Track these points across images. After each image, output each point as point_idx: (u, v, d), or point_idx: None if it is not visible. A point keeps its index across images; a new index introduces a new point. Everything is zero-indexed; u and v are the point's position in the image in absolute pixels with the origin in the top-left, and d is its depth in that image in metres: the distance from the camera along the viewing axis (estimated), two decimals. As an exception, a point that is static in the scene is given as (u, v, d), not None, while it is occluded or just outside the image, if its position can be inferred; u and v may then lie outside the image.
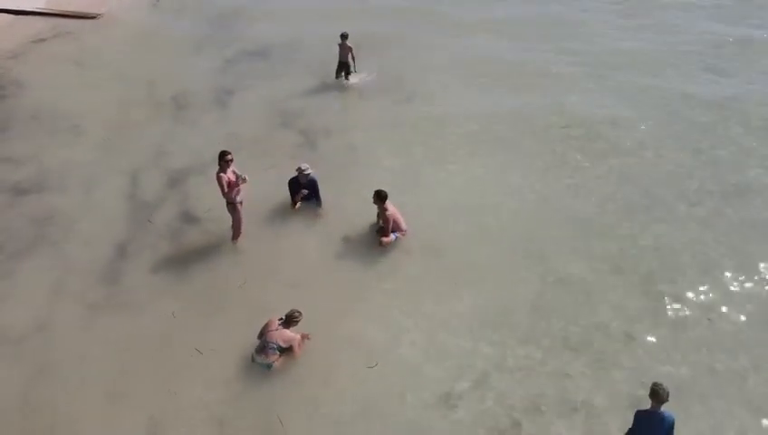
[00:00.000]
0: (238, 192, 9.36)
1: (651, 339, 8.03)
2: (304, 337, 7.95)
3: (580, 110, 13.35)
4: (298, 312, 7.88)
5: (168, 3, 20.32)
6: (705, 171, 11.29)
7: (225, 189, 9.18)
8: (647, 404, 6.26)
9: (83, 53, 16.74)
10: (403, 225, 9.71)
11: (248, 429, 7.06)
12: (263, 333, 7.82)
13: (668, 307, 8.50)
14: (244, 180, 9.29)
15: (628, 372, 7.61)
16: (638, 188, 10.85)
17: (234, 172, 9.30)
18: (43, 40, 17.63)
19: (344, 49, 14.17)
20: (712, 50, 16.28)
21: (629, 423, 6.38)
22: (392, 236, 9.57)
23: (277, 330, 7.74)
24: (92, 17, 19.18)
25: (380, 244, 9.55)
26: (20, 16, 19.07)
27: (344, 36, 14.06)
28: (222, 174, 9.13)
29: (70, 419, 7.14)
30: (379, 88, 14.53)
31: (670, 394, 6.09)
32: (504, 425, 7.07)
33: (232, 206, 9.42)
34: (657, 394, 6.10)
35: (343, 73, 14.48)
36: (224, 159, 9.14)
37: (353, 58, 14.31)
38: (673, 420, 6.13)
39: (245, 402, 7.33)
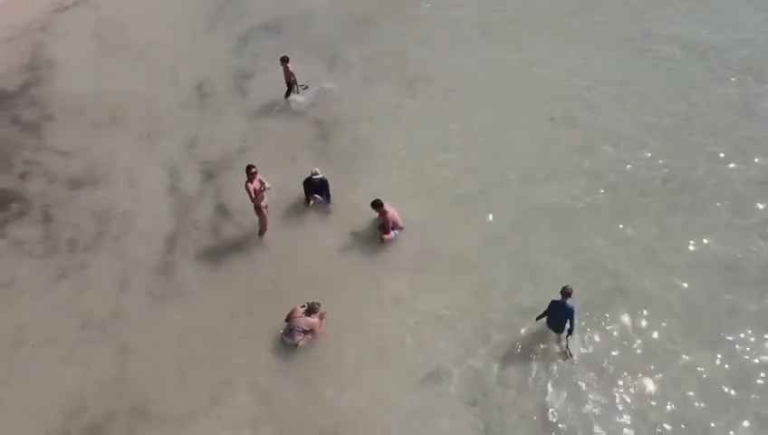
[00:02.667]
0: (263, 197, 11.29)
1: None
2: (323, 317, 10.16)
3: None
4: (318, 304, 10.07)
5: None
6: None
7: (253, 196, 11.13)
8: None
9: (104, 27, 17.95)
10: (401, 222, 11.65)
11: (285, 396, 9.45)
12: (289, 319, 10.04)
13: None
14: (267, 188, 11.22)
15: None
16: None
17: (259, 181, 11.19)
18: (65, 8, 18.80)
19: (285, 72, 14.42)
20: None
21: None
22: (392, 234, 11.55)
23: (301, 317, 9.97)
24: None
25: (382, 240, 11.57)
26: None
27: (283, 60, 14.28)
28: (249, 184, 11.03)
29: (148, 390, 9.55)
30: (383, 73, 15.95)
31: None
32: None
33: (258, 209, 11.38)
34: (565, 290, 8.99)
35: (290, 93, 14.76)
36: (249, 172, 11.02)
37: (295, 81, 14.58)
38: (573, 308, 9.11)
39: (281, 375, 9.69)
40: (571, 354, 9.63)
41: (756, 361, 9.53)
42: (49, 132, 14.36)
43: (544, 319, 9.70)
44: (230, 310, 10.60)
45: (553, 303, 9.41)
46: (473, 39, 17.00)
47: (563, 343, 9.68)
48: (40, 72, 16.18)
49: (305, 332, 9.93)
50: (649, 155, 13.11)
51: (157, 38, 17.44)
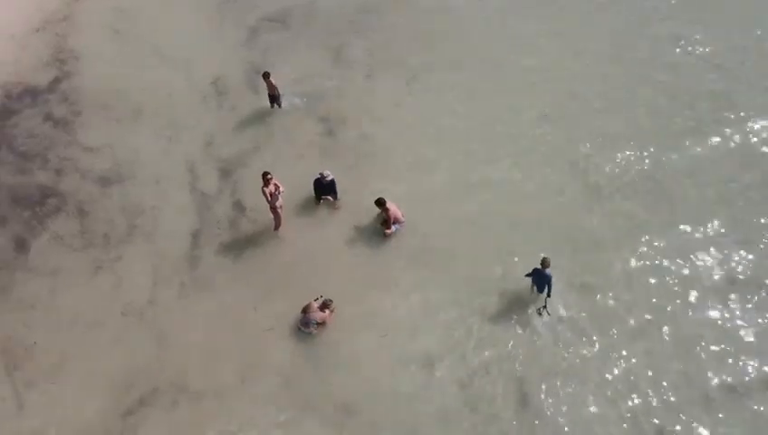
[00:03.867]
0: (277, 198, 12.61)
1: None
2: (333, 311, 11.65)
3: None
4: (330, 300, 11.56)
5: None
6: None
7: (269, 199, 12.46)
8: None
9: (120, 17, 18.77)
10: (401, 217, 13.02)
11: (302, 376, 11.02)
12: (305, 311, 11.52)
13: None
14: (281, 191, 12.53)
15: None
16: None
17: (275, 184, 12.49)
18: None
19: (269, 87, 15.11)
20: None
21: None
22: (394, 228, 12.92)
23: (315, 311, 11.45)
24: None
25: (384, 235, 12.95)
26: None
27: (265, 76, 14.94)
28: (265, 188, 12.35)
29: (186, 369, 11.15)
30: (385, 67, 16.95)
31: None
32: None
33: (273, 209, 12.73)
34: (544, 262, 11.09)
35: (275, 105, 15.55)
36: (265, 178, 12.32)
37: (279, 94, 15.30)
38: (550, 276, 11.14)
39: (298, 358, 11.25)
40: (549, 313, 11.57)
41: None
42: (79, 128, 15.52)
43: (530, 279, 11.68)
44: (251, 298, 12.10)
45: (536, 270, 11.33)
46: (472, 29, 17.89)
47: (542, 303, 11.54)
48: (67, 67, 17.18)
49: (318, 323, 11.44)
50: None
51: (170, 29, 18.36)
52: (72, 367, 11.20)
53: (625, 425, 10.25)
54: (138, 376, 11.06)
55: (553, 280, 11.18)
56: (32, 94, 16.42)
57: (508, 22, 18.20)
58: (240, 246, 12.99)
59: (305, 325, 11.48)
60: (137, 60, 17.39)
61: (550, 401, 10.57)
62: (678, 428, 10.17)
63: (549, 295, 11.42)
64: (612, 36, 17.51)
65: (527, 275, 11.66)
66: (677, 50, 16.93)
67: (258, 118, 15.66)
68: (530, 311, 11.62)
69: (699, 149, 14.43)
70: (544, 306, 11.57)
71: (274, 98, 15.40)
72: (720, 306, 11.65)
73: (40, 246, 13.09)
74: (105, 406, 10.72)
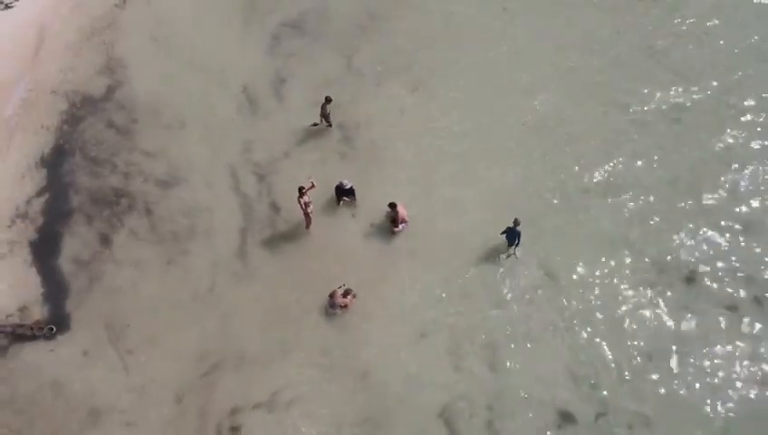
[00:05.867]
0: (309, 205, 15.95)
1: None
2: (354, 296, 15.25)
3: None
4: (351, 289, 15.13)
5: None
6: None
7: (303, 208, 15.81)
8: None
9: (157, 25, 21.34)
10: (407, 218, 16.37)
11: (330, 347, 14.78)
12: (331, 296, 15.12)
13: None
14: (310, 199, 15.86)
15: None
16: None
17: (307, 195, 15.78)
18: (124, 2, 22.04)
19: (324, 108, 17.54)
20: None
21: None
22: (400, 226, 16.32)
23: (339, 297, 15.05)
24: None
25: (392, 232, 16.36)
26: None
27: (327, 100, 17.48)
28: (300, 199, 15.67)
29: (243, 343, 14.90)
30: (392, 74, 19.69)
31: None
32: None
33: (306, 214, 16.08)
34: (515, 221, 15.08)
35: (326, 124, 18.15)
36: (300, 192, 15.61)
37: (328, 119, 17.90)
38: (519, 232, 15.19)
39: (327, 333, 14.98)
40: (517, 257, 15.67)
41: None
42: (137, 135, 18.59)
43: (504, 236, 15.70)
44: (290, 284, 15.68)
45: (508, 228, 15.37)
46: (474, 36, 20.46)
47: (512, 250, 15.75)
48: (117, 75, 19.99)
49: (341, 307, 15.11)
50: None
51: (202, 36, 20.99)
52: (160, 340, 14.99)
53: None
54: (209, 347, 14.87)
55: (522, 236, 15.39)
56: (91, 102, 19.36)
57: (508, 31, 20.73)
58: (278, 241, 16.46)
59: (332, 307, 15.15)
60: (176, 68, 20.18)
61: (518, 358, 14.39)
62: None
63: (518, 245, 15.52)
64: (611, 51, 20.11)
65: (502, 233, 15.47)
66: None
67: (285, 126, 18.67)
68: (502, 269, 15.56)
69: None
70: (514, 253, 15.66)
71: (326, 117, 17.99)
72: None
73: (120, 241, 16.57)
74: (188, 368, 14.58)
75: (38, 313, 15.37)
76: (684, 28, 20.59)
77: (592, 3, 21.49)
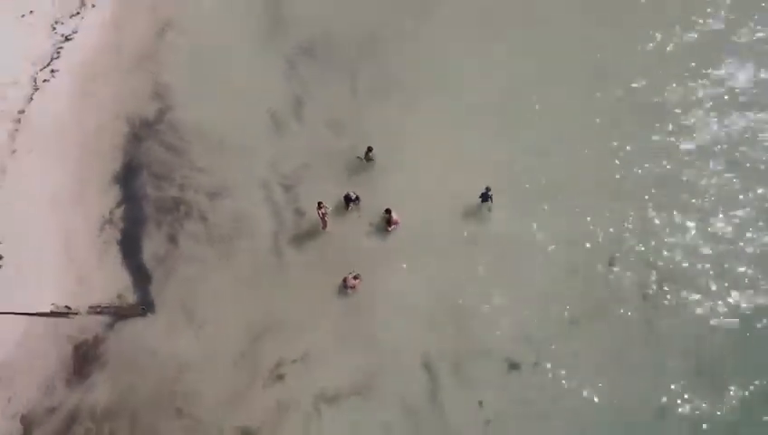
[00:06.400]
0: (325, 214, 21.27)
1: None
2: (360, 280, 20.84)
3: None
4: (359, 274, 20.66)
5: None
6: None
7: (320, 217, 21.14)
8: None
9: (194, 55, 25.85)
10: (398, 220, 21.66)
11: (341, 318, 20.47)
12: (344, 280, 20.72)
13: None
14: (328, 210, 21.15)
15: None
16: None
17: (325, 207, 21.06)
18: (163, 29, 26.42)
19: (368, 152, 22.58)
20: None
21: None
22: (393, 227, 21.66)
23: (350, 280, 20.64)
24: None
25: (387, 230, 21.73)
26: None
27: (369, 150, 22.47)
28: (318, 210, 20.99)
29: (284, 315, 20.59)
30: (392, 93, 24.33)
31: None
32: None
33: (322, 219, 21.42)
34: (487, 188, 20.97)
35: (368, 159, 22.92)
36: (318, 205, 20.91)
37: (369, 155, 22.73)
38: (491, 194, 21.15)
39: (341, 308, 20.63)
40: (490, 209, 21.18)
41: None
42: (187, 153, 23.63)
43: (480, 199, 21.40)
44: (314, 271, 21.20)
45: (482, 193, 20.99)
46: (457, 60, 24.97)
47: (488, 205, 21.30)
48: (166, 100, 24.77)
49: (351, 287, 20.72)
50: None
51: (230, 62, 25.52)
52: (221, 315, 20.71)
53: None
54: (256, 319, 20.58)
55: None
56: (147, 124, 24.32)
57: (493, 49, 25.19)
58: (302, 239, 21.87)
59: (345, 288, 20.77)
60: (212, 93, 24.89)
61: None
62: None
63: (491, 201, 21.26)
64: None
65: (480, 196, 21.12)
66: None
67: (304, 142, 23.64)
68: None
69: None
70: (489, 208, 21.49)
71: (368, 157, 22.88)
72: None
73: (184, 242, 22.03)
74: (242, 335, 20.33)
75: (131, 298, 21.09)
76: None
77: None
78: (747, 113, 23.60)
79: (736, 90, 24.25)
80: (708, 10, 26.26)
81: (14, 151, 22.99)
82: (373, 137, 23.37)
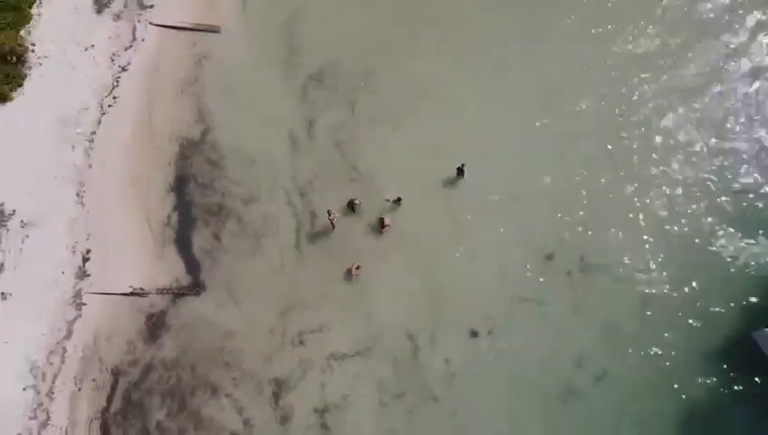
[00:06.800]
0: (333, 219, 27.92)
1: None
2: (361, 268, 27.67)
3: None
4: (360, 265, 27.49)
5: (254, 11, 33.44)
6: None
7: (331, 221, 27.82)
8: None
9: (228, 81, 31.82)
10: (389, 224, 28.32)
11: (344, 297, 27.43)
12: (348, 269, 27.57)
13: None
14: (337, 216, 27.82)
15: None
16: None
17: (334, 214, 27.70)
18: (200, 60, 32.34)
19: (397, 201, 28.79)
20: None
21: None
22: (385, 229, 28.34)
23: (353, 269, 27.50)
24: (217, 30, 32.97)
25: (380, 232, 28.43)
26: (164, 33, 32.90)
27: (397, 201, 28.43)
28: (329, 217, 27.66)
29: (304, 298, 27.57)
30: (384, 118, 30.57)
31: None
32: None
33: (332, 223, 28.09)
34: (462, 164, 28.15)
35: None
36: (329, 213, 27.55)
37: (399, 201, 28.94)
38: (464, 170, 28.66)
39: (346, 290, 27.54)
40: (464, 177, 28.34)
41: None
42: (225, 168, 29.92)
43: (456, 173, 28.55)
44: (327, 263, 28.00)
45: (458, 168, 28.06)
46: (441, 88, 31.07)
47: (464, 173, 28.27)
48: (207, 122, 30.88)
49: (355, 275, 27.58)
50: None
51: (255, 90, 31.52)
52: (255, 295, 27.56)
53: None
54: (283, 299, 27.48)
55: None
56: (193, 144, 30.55)
57: (465, 87, 31.27)
58: (316, 237, 28.56)
59: (350, 275, 27.63)
60: (242, 116, 30.99)
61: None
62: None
63: (463, 175, 28.30)
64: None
65: (456, 170, 28.27)
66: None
67: (316, 158, 29.94)
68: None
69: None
70: (463, 173, 28.35)
71: (397, 202, 29.09)
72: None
73: (225, 238, 28.70)
74: (272, 311, 27.29)
75: (186, 281, 27.94)
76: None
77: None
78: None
79: (671, 129, 30.50)
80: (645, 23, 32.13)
81: (90, 166, 29.36)
82: (369, 154, 29.78)
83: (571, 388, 26.38)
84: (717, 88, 31.93)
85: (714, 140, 30.71)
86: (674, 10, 33.88)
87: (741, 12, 33.76)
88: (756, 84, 31.98)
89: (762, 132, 30.91)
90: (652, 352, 26.78)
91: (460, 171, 28.78)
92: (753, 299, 27.63)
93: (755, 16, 33.60)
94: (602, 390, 26.42)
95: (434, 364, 26.46)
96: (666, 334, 27.04)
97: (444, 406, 26.04)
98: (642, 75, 32.00)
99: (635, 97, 31.56)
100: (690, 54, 32.61)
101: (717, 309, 27.44)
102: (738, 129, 31.01)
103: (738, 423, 25.77)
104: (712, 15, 33.71)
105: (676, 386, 26.33)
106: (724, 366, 26.54)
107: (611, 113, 31.11)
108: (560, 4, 33.74)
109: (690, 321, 27.28)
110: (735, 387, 26.23)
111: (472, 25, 32.82)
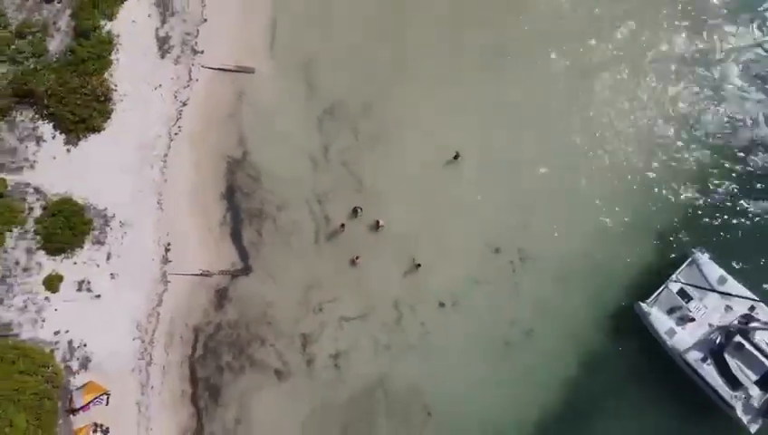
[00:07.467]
0: (344, 225, 39.15)
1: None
2: (361, 259, 39.10)
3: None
4: (360, 255, 38.98)
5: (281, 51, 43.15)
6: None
7: (340, 226, 39.06)
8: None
9: (260, 112, 42.12)
10: (383, 224, 39.53)
11: (351, 278, 39.09)
12: (352, 259, 39.06)
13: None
14: (344, 224, 39.09)
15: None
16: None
17: (343, 223, 38.90)
18: (240, 95, 42.55)
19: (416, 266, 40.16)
20: None
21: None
22: (381, 228, 39.60)
23: (355, 259, 39.01)
24: (251, 71, 42.96)
25: (376, 230, 39.68)
26: (212, 74, 42.98)
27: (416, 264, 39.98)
28: (338, 225, 38.90)
29: (321, 280, 39.26)
30: (379, 141, 41.07)
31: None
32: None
33: (342, 227, 39.31)
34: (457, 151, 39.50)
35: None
36: (340, 226, 38.77)
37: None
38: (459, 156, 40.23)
39: (354, 274, 39.15)
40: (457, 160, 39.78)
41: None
42: (263, 181, 40.72)
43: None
44: (337, 253, 39.47)
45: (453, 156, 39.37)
46: (428, 114, 41.41)
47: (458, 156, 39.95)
48: (245, 146, 41.38)
49: (357, 263, 39.11)
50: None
51: (282, 119, 41.84)
52: (286, 275, 39.27)
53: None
54: (307, 279, 39.19)
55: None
56: (237, 162, 41.26)
57: (446, 117, 41.53)
58: (330, 235, 39.88)
59: (353, 264, 39.14)
60: (275, 140, 41.48)
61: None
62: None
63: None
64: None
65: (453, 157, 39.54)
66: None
67: (330, 175, 40.73)
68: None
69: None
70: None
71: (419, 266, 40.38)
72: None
73: (265, 234, 40.05)
74: (298, 289, 39.07)
75: (239, 266, 39.56)
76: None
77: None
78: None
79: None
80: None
81: (165, 181, 40.36)
82: (368, 171, 40.55)
83: (508, 341, 38.40)
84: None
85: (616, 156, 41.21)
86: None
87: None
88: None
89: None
90: (565, 317, 38.51)
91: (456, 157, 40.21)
92: (642, 278, 39.02)
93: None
94: (529, 342, 38.43)
95: (412, 325, 38.50)
96: (577, 304, 38.70)
97: (419, 354, 38.28)
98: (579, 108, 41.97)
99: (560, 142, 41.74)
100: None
101: (613, 290, 38.99)
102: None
103: (622, 367, 38.00)
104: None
105: (580, 340, 38.39)
106: (616, 328, 38.47)
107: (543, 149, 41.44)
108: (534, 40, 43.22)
109: (596, 298, 38.91)
110: (623, 341, 38.21)
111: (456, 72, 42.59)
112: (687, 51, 43.43)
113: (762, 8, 44.08)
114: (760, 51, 43.43)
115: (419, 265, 39.29)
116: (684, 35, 43.54)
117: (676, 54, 43.35)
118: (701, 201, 40.81)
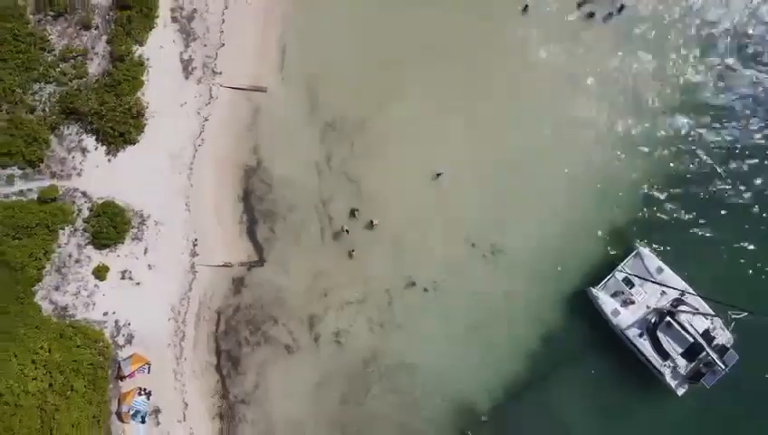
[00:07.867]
0: (347, 229, 46.57)
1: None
2: (354, 251, 46.55)
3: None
4: (355, 248, 46.45)
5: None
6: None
7: (343, 228, 46.48)
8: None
9: (272, 126, 49.15)
10: (377, 223, 46.91)
11: (354, 270, 46.59)
12: (349, 252, 46.52)
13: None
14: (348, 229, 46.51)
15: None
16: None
17: (346, 229, 46.28)
18: (254, 112, 49.51)
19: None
20: None
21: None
22: (375, 226, 46.99)
23: (353, 252, 46.50)
24: (264, 90, 49.91)
25: (371, 228, 47.10)
26: (230, 92, 49.87)
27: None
28: (344, 230, 46.33)
29: (325, 269, 46.75)
30: (375, 153, 48.27)
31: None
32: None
33: (346, 231, 46.73)
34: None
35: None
36: (345, 232, 46.17)
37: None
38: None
39: (352, 264, 46.68)
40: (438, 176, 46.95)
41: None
42: (275, 187, 47.93)
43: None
44: (339, 249, 46.90)
45: (437, 173, 46.48)
46: (419, 131, 48.60)
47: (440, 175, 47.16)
48: (259, 155, 48.50)
49: (353, 256, 46.63)
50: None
51: (291, 132, 48.92)
52: (297, 265, 46.77)
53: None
54: (315, 268, 46.69)
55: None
56: (252, 169, 48.39)
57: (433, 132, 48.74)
58: (334, 234, 47.26)
59: (350, 256, 46.60)
60: (285, 151, 48.61)
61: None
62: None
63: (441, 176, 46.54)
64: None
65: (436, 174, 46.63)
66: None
67: (332, 183, 47.98)
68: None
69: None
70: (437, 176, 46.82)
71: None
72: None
73: (277, 231, 47.39)
74: (307, 278, 46.56)
75: (255, 258, 46.98)
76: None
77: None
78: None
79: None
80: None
81: (191, 186, 47.54)
82: (363, 177, 47.81)
83: (480, 320, 46.19)
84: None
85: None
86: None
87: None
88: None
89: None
90: (530, 300, 46.22)
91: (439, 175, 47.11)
92: (594, 268, 46.68)
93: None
94: (499, 321, 46.29)
95: (401, 307, 46.22)
96: (540, 289, 46.39)
97: (407, 331, 46.07)
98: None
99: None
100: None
101: (570, 277, 46.65)
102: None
103: (576, 340, 45.84)
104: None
105: (542, 318, 46.20)
106: (572, 308, 46.25)
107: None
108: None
109: (556, 284, 46.62)
110: (576, 319, 46.04)
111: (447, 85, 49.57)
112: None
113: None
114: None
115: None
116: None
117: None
118: (647, 202, 48.31)
